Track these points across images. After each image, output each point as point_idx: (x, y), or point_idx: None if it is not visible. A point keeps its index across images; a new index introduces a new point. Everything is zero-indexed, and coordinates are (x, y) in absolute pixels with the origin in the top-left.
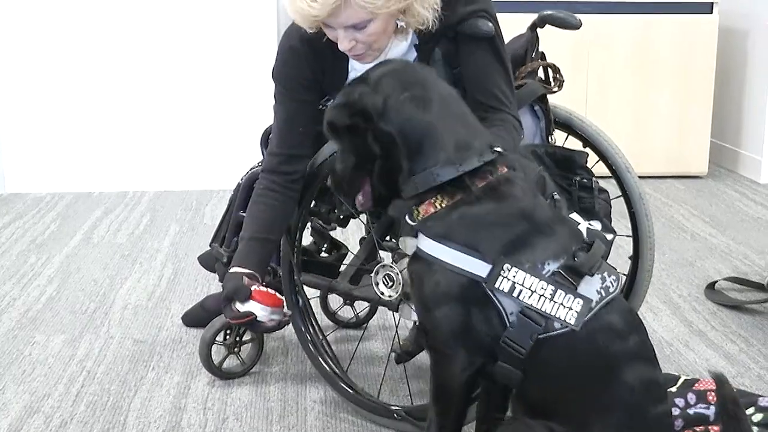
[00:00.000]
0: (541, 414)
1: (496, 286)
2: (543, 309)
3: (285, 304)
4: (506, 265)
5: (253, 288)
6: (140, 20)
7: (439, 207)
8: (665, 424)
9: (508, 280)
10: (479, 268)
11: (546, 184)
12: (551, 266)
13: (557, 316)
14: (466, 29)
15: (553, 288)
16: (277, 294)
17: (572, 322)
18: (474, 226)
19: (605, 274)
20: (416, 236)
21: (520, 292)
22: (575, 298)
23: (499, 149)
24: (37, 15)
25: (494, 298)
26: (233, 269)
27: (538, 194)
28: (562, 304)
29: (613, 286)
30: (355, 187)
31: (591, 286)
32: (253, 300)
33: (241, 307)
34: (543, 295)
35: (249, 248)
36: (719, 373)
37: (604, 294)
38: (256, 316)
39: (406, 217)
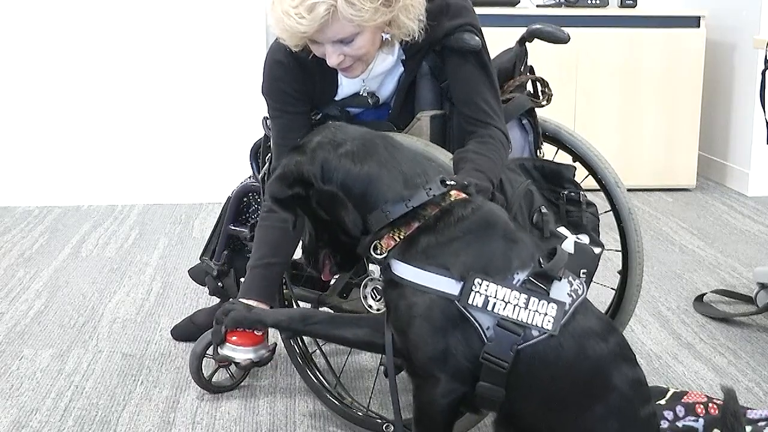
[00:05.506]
0: None
1: (470, 302)
2: (519, 318)
3: (265, 339)
4: (477, 280)
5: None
6: (128, 32)
7: (398, 239)
8: (653, 425)
9: (481, 294)
10: (450, 286)
11: (533, 198)
12: (520, 275)
13: (534, 323)
14: (453, 43)
15: (526, 296)
16: (255, 331)
17: (549, 327)
18: (439, 247)
19: (571, 278)
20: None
21: (494, 304)
22: (549, 303)
23: (452, 182)
24: (25, 29)
25: (469, 315)
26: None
27: (500, 209)
28: (537, 310)
29: (580, 288)
30: (320, 260)
31: (561, 290)
32: (228, 343)
33: (220, 351)
34: (517, 304)
35: (252, 277)
36: (730, 388)
37: (574, 297)
38: (234, 359)
39: (372, 252)
